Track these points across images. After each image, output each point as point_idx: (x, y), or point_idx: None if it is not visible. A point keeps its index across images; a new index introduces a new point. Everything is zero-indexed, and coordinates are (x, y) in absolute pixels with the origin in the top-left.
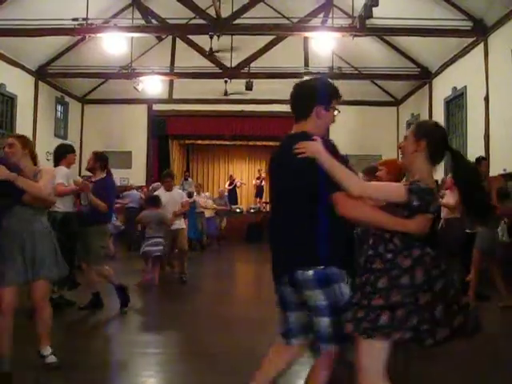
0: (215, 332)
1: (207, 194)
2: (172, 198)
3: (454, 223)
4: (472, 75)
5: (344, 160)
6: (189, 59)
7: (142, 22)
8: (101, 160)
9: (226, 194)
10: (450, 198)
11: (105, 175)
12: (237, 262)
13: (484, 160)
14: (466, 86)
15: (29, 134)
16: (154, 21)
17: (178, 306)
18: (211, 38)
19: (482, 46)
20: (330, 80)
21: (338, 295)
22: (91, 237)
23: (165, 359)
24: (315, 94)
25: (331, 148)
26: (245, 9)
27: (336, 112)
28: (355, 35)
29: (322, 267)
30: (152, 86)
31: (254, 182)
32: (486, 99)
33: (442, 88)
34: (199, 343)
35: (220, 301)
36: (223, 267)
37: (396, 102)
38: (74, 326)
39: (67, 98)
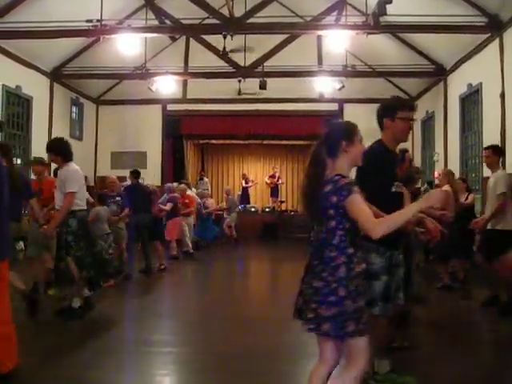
0: (230, 332)
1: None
2: None
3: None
4: (487, 71)
5: None
6: (202, 59)
7: (156, 22)
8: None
9: (239, 193)
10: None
11: None
12: (252, 260)
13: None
14: (481, 83)
15: (44, 135)
16: (167, 21)
17: (193, 306)
18: (225, 37)
19: (497, 41)
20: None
21: None
22: None
23: (180, 358)
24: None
25: None
26: (258, 8)
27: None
28: (369, 33)
29: None
30: (166, 86)
31: (266, 180)
32: (502, 96)
33: (457, 85)
34: (214, 343)
35: (235, 300)
36: (238, 266)
37: (410, 100)
38: (88, 325)
39: (82, 99)
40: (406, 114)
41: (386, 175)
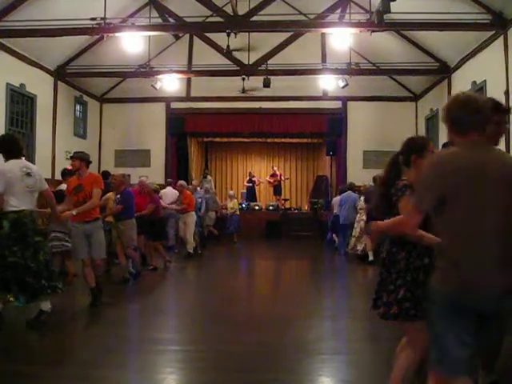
0: (235, 330)
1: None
2: None
3: None
4: (492, 69)
5: None
6: (206, 57)
7: (159, 20)
8: None
9: (243, 191)
10: None
11: None
12: (255, 259)
13: None
14: (485, 81)
15: (48, 133)
16: (171, 19)
17: (198, 304)
18: (228, 35)
19: (501, 39)
20: None
21: None
22: None
23: (185, 356)
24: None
25: None
26: (262, 6)
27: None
28: (373, 31)
29: None
30: (170, 84)
31: (268, 179)
32: (507, 93)
33: (462, 83)
34: (219, 341)
35: (239, 298)
36: (242, 264)
37: (415, 98)
38: (92, 324)
39: (86, 98)
40: (501, 118)
41: None
